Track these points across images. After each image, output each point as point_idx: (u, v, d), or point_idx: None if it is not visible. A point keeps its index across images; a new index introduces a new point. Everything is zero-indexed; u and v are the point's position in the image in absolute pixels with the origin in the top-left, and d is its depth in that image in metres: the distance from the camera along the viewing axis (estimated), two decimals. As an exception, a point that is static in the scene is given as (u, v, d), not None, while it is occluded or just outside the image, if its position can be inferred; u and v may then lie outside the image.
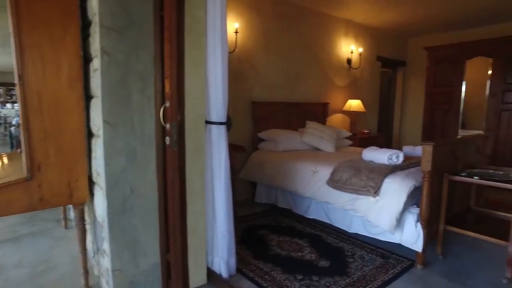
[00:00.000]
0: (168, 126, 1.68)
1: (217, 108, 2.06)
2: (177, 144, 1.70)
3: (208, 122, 2.09)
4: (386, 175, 2.68)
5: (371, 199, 2.68)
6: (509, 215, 2.88)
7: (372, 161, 3.08)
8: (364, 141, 5.22)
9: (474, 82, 5.97)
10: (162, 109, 1.74)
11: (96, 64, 1.69)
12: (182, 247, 1.85)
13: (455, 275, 2.51)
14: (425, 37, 6.46)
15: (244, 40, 4.12)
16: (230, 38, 3.88)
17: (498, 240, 2.44)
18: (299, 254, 2.77)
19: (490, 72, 5.18)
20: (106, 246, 1.80)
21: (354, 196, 2.80)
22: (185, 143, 1.87)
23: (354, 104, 5.23)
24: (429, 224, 2.52)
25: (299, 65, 4.82)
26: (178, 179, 1.76)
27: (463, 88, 5.48)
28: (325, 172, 3.14)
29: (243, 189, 4.26)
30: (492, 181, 2.46)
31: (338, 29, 5.30)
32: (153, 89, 1.78)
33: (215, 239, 2.23)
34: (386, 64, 6.51)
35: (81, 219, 1.93)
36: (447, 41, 5.90)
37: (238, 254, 2.60)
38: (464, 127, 6.65)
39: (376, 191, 2.63)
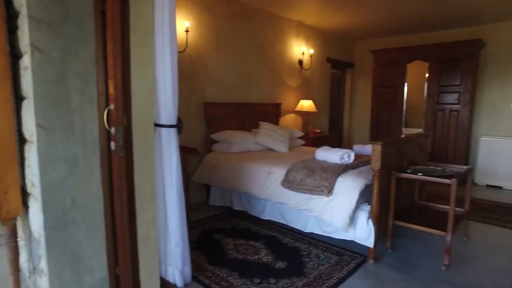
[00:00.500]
0: (113, 130, 1.55)
1: (167, 110, 1.95)
2: (123, 149, 1.58)
3: (157, 125, 1.98)
4: (338, 174, 2.75)
5: (325, 198, 2.73)
6: (447, 207, 3.10)
7: (325, 160, 3.14)
8: (316, 141, 5.35)
9: (415, 84, 6.39)
10: (106, 112, 1.60)
11: (26, 61, 1.50)
12: (132, 259, 1.73)
13: (403, 266, 2.64)
14: (371, 40, 6.79)
15: (195, 39, 4.01)
16: (181, 37, 3.75)
17: (439, 231, 2.60)
18: (256, 257, 2.74)
19: (427, 75, 5.57)
20: (43, 264, 1.62)
21: (309, 196, 2.84)
22: (132, 148, 1.74)
23: (306, 104, 5.34)
24: (379, 220, 2.63)
25: (252, 66, 4.81)
26: (125, 187, 1.63)
27: (405, 89, 5.83)
28: (279, 173, 3.15)
29: (196, 193, 4.15)
30: (434, 177, 2.62)
31: (290, 31, 5.37)
32: (96, 90, 1.64)
33: (168, 247, 2.12)
34: (336, 65, 6.75)
35: (12, 235, 1.71)
36: (390, 45, 6.26)
37: (193, 261, 2.51)
38: (406, 125, 7.10)
39: (329, 191, 2.68)
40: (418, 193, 3.44)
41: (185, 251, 2.16)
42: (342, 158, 3.02)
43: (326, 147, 3.30)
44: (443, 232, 2.56)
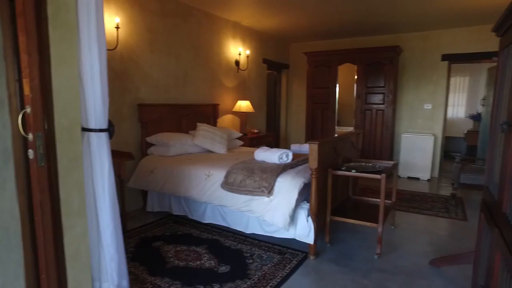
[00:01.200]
0: (30, 136, 1.37)
1: (96, 113, 1.78)
2: (44, 158, 1.40)
3: (85, 130, 1.80)
4: (278, 174, 2.79)
5: (265, 199, 2.75)
6: (377, 200, 3.34)
7: (264, 161, 3.17)
8: (254, 141, 5.40)
9: (345, 85, 6.78)
10: (20, 116, 1.41)
11: None
12: (59, 281, 1.54)
13: (341, 259, 2.77)
14: (305, 43, 7.06)
15: (127, 36, 3.77)
16: (111, 33, 3.50)
17: (371, 224, 2.79)
18: (198, 262, 2.66)
19: (356, 77, 5.96)
20: None
21: (249, 197, 2.84)
22: (56, 155, 1.56)
23: (244, 104, 5.36)
24: (318, 217, 2.72)
25: (188, 66, 4.68)
26: (48, 200, 1.45)
27: (337, 90, 6.17)
28: (218, 175, 3.10)
29: (133, 199, 3.91)
30: (366, 173, 2.79)
31: (226, 31, 5.34)
32: (6, 91, 1.43)
33: (102, 262, 1.95)
34: (272, 66, 6.88)
35: None
36: (323, 48, 6.58)
37: (131, 273, 2.35)
38: (339, 124, 7.51)
39: (269, 191, 2.71)
40: (352, 188, 3.65)
41: (121, 264, 2.00)
42: (281, 158, 3.07)
43: (265, 148, 3.33)
44: (375, 224, 2.75)
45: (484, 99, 6.50)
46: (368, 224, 2.80)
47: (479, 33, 5.56)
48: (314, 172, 2.60)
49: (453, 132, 7.93)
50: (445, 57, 5.83)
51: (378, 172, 2.84)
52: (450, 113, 7.95)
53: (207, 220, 3.39)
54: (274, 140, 7.14)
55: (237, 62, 5.60)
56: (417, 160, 5.77)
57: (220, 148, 4.08)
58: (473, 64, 7.46)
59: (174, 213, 3.64)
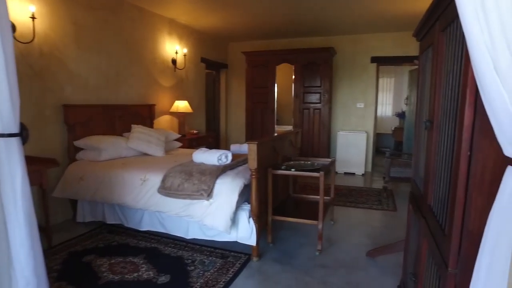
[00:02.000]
0: None
1: (3, 115, 1.54)
2: None
3: (-10, 135, 1.55)
4: (217, 176, 2.71)
5: (205, 202, 2.66)
6: (317, 197, 3.43)
7: (202, 163, 3.07)
8: (193, 142, 5.26)
9: (284, 84, 6.92)
10: None
11: None
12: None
13: (284, 258, 2.78)
14: (244, 42, 7.06)
15: (46, 29, 3.39)
16: (24, 24, 3.12)
17: (311, 221, 2.84)
18: (135, 275, 2.48)
19: (293, 77, 6.11)
20: None
21: (188, 201, 2.72)
22: (-51, 167, 1.31)
23: (181, 105, 5.18)
24: (259, 218, 2.70)
25: (120, 64, 4.38)
26: None
27: (276, 89, 6.26)
28: (155, 179, 2.93)
29: (60, 210, 3.55)
30: (305, 171, 2.84)
31: (162, 28, 5.11)
32: None
33: None
34: (210, 66, 6.77)
35: None
36: (261, 47, 6.64)
37: (54, 295, 2.10)
38: (278, 123, 7.64)
39: (209, 194, 2.62)
40: (292, 187, 3.71)
41: (41, 287, 1.77)
42: (220, 159, 3.00)
43: (204, 149, 3.23)
44: (315, 222, 2.81)
45: (407, 98, 7.08)
46: (308, 222, 2.86)
47: (401, 39, 6.04)
48: (254, 173, 2.58)
49: (382, 129, 8.54)
50: (373, 59, 6.23)
51: (317, 170, 2.91)
52: (380, 111, 8.55)
53: (144, 227, 3.20)
54: (214, 141, 7.03)
55: (174, 61, 5.40)
56: (352, 156, 6.09)
57: (157, 151, 3.88)
58: (397, 66, 8.11)
59: (109, 222, 3.38)
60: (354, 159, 6.09)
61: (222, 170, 2.81)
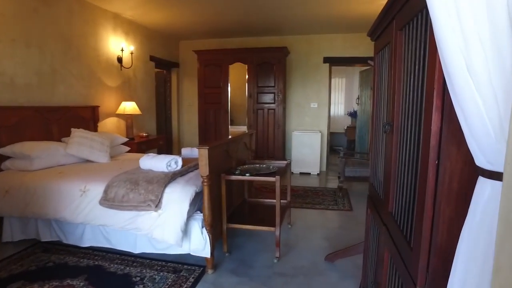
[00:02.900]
0: None
1: None
2: None
3: None
4: (166, 184, 2.49)
5: (153, 214, 2.43)
6: (273, 200, 3.33)
7: (150, 169, 2.82)
8: (143, 145, 4.93)
9: (237, 84, 6.78)
10: None
11: None
12: None
13: (241, 268, 2.64)
14: (195, 41, 6.80)
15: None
16: None
17: (268, 228, 2.73)
18: (72, 300, 2.19)
19: (247, 76, 5.99)
20: None
21: (135, 213, 2.47)
22: None
23: (129, 106, 4.83)
24: (213, 227, 2.53)
25: (56, 61, 3.94)
26: None
27: (229, 89, 6.10)
28: (97, 190, 2.63)
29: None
30: (261, 176, 2.71)
31: (105, 23, 4.71)
32: None
33: None
34: (160, 64, 6.43)
35: None
36: (214, 46, 6.43)
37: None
38: (232, 123, 7.51)
39: (157, 205, 2.40)
40: (247, 191, 3.57)
41: None
42: (169, 166, 2.77)
43: (151, 154, 2.98)
44: (272, 228, 2.69)
45: (358, 98, 7.28)
46: (265, 228, 2.74)
47: (352, 40, 6.17)
48: (205, 180, 2.40)
49: (335, 128, 8.72)
50: (326, 60, 6.30)
51: (273, 173, 2.80)
52: (332, 111, 8.72)
53: (86, 243, 2.88)
54: (166, 143, 6.71)
55: (119, 59, 5.02)
56: (307, 156, 6.11)
57: (100, 157, 3.54)
58: (348, 67, 8.32)
59: (44, 240, 2.99)
60: (309, 159, 6.11)
61: (171, 177, 2.59)
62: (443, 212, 0.92)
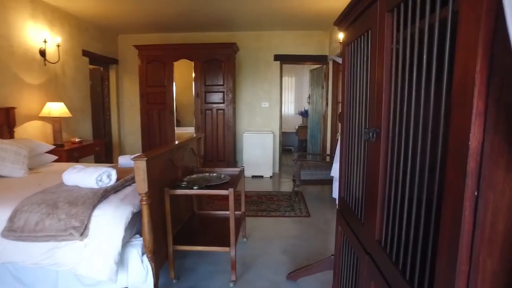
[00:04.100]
0: None
1: None
2: None
3: None
4: (94, 206, 2.00)
5: (77, 244, 1.93)
6: (227, 212, 2.97)
7: (76, 186, 2.30)
8: (75, 153, 4.27)
9: (183, 83, 6.32)
10: None
11: None
12: None
13: (190, 299, 2.24)
14: (136, 35, 6.18)
15: None
16: None
17: (222, 248, 2.36)
18: None
19: (194, 74, 5.54)
20: None
21: (53, 244, 1.95)
22: None
23: (56, 107, 4.14)
24: (157, 253, 2.10)
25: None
26: None
27: (174, 88, 5.60)
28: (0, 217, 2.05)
29: None
30: (211, 189, 2.33)
31: (19, 8, 3.96)
32: None
33: None
34: (96, 60, 5.72)
35: None
36: (157, 41, 5.88)
37: None
38: (180, 124, 7.03)
39: (82, 232, 1.90)
40: (197, 203, 3.17)
41: None
42: (100, 180, 2.27)
43: (79, 167, 2.44)
44: (226, 248, 2.33)
45: (309, 97, 7.17)
46: (219, 249, 2.37)
47: (303, 38, 6.00)
48: (144, 198, 1.96)
49: (286, 128, 8.56)
50: (277, 57, 6.06)
51: (225, 184, 2.44)
52: (283, 110, 8.56)
53: (-9, 282, 2.27)
54: (105, 149, 6.03)
55: (42, 52, 4.28)
56: (260, 158, 5.82)
57: (14, 170, 2.89)
58: (298, 65, 8.20)
59: None
60: (262, 161, 5.83)
61: (102, 195, 2.10)
62: (483, 265, 0.63)
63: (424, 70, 0.83)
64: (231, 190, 2.22)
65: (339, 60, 2.35)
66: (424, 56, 0.82)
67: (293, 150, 8.65)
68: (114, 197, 2.15)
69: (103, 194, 2.11)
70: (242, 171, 2.96)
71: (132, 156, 2.81)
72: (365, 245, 1.26)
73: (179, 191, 2.29)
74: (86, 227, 1.91)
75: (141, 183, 1.92)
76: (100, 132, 6.31)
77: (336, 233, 1.78)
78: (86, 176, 2.25)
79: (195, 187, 2.31)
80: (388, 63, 1.06)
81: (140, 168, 1.90)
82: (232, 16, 5.08)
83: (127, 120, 6.51)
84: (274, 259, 2.80)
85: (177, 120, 7.18)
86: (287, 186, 5.29)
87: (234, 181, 2.61)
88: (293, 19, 5.22)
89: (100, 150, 4.97)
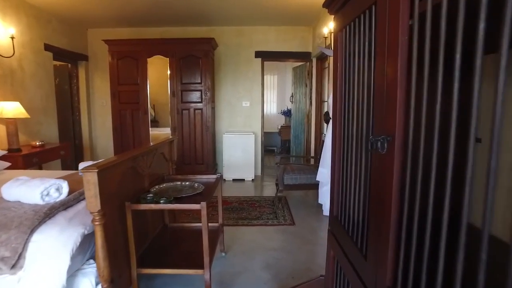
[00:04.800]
0: None
1: None
2: None
3: None
4: (34, 228, 1.63)
5: (7, 279, 1.57)
6: (199, 224, 2.67)
7: (19, 201, 1.92)
8: (35, 158, 3.84)
9: (159, 81, 5.93)
10: None
11: None
12: None
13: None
14: (108, 29, 5.75)
15: None
16: None
17: (195, 271, 2.03)
18: None
19: (169, 72, 5.17)
20: None
21: (-21, 278, 1.58)
22: None
23: (10, 107, 3.69)
24: (116, 281, 1.75)
25: None
26: None
27: (148, 86, 5.22)
28: None
29: None
30: (181, 203, 2.00)
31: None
32: None
33: None
34: (63, 56, 5.26)
35: None
36: (130, 36, 5.48)
37: None
38: (158, 125, 6.64)
39: (14, 264, 1.54)
40: (169, 214, 2.82)
41: None
42: (47, 195, 1.90)
43: (23, 178, 2.06)
44: (200, 271, 2.01)
45: (292, 96, 6.91)
46: (191, 272, 2.04)
47: (285, 33, 5.72)
48: (97, 218, 1.61)
49: (268, 128, 8.27)
50: (258, 54, 5.76)
51: (198, 195, 2.12)
52: (265, 109, 8.27)
53: None
54: (75, 153, 5.60)
55: (-6, 45, 3.84)
56: (241, 161, 5.51)
57: (-48, 181, 2.47)
58: (280, 63, 7.92)
59: None
60: (243, 163, 5.51)
61: (46, 214, 1.74)
62: None
63: (459, 53, 0.54)
64: (203, 204, 1.90)
65: (329, 52, 2.06)
66: (460, 34, 0.54)
67: (276, 150, 8.38)
68: (62, 215, 1.79)
69: (48, 213, 1.74)
70: (219, 179, 2.64)
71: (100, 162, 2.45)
72: (367, 283, 0.98)
73: (144, 206, 1.95)
74: (20, 257, 1.55)
75: (92, 200, 1.57)
76: (69, 134, 5.85)
77: (328, 257, 1.49)
78: (29, 191, 1.88)
79: (162, 201, 1.97)
80: (404, 49, 0.77)
81: (91, 182, 1.56)
82: (210, 10, 4.75)
83: (99, 121, 6.07)
84: (256, 277, 2.49)
85: (155, 120, 6.80)
86: (270, 190, 5.00)
87: (209, 191, 2.29)
88: (275, 14, 4.93)
89: (67, 154, 4.53)
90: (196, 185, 2.40)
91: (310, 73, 5.76)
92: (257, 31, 5.72)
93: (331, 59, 4.25)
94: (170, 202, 1.98)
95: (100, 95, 5.96)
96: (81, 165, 2.71)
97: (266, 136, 7.84)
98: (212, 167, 5.32)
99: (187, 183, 2.46)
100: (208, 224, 1.93)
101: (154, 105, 6.88)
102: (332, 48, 1.48)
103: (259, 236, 3.27)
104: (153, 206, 1.94)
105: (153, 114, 6.88)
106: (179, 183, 2.47)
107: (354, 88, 1.13)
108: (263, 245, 3.06)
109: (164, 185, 2.40)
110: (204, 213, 1.90)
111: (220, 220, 2.75)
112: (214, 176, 2.67)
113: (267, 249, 2.99)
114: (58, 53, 5.08)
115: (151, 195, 2.08)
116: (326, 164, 3.49)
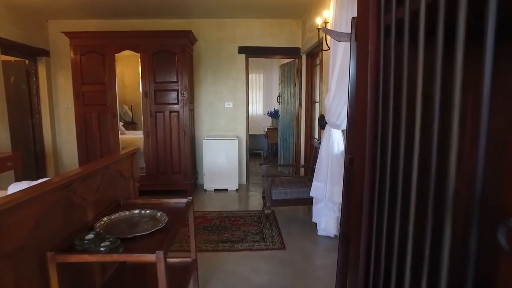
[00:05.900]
0: None
1: None
2: None
3: None
4: None
5: None
6: (176, 259, 2.10)
7: None
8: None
9: (131, 79, 5.33)
10: None
11: None
12: None
13: None
14: (72, 21, 5.08)
15: None
16: None
17: None
18: None
19: (140, 69, 4.56)
20: None
21: None
22: None
23: None
24: None
25: None
26: None
27: (117, 86, 4.58)
28: None
29: None
30: (126, 253, 1.42)
31: None
32: None
33: None
34: (16, 51, 4.58)
35: None
36: (98, 29, 4.82)
37: None
38: (136, 127, 6.04)
39: None
40: (128, 247, 2.23)
41: None
42: None
43: None
44: None
45: (279, 96, 6.38)
46: None
47: (272, 27, 5.19)
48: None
49: (254, 130, 7.71)
50: (242, 50, 5.20)
51: (158, 232, 1.55)
52: (250, 110, 7.71)
53: None
54: (35, 163, 4.93)
55: None
56: (223, 168, 4.94)
57: None
58: (266, 60, 7.39)
59: None
60: (226, 171, 4.94)
61: None
62: None
63: None
64: (160, 255, 1.32)
65: (338, 37, 1.52)
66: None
67: (262, 154, 7.83)
68: None
69: None
70: (190, 203, 2.07)
71: (33, 182, 1.85)
72: None
73: (74, 258, 1.36)
74: None
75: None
76: (27, 140, 5.15)
77: None
78: None
79: (102, 246, 1.39)
80: None
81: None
82: (189, 0, 4.16)
83: (64, 125, 5.37)
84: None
85: (132, 122, 6.16)
86: (256, 202, 4.44)
87: (175, 224, 1.71)
88: (260, 5, 4.39)
89: (16, 165, 3.85)
90: (159, 214, 1.82)
91: (299, 71, 5.24)
92: (240, 24, 5.15)
93: (324, 54, 3.73)
94: (116, 249, 1.40)
95: (65, 96, 5.27)
96: (12, 187, 2.10)
97: (252, 138, 7.27)
98: (190, 176, 4.73)
99: (147, 211, 1.88)
100: (166, 285, 1.36)
101: (131, 106, 6.25)
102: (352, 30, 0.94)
103: (243, 266, 2.70)
104: (88, 257, 1.36)
105: (131, 115, 6.25)
106: (137, 211, 1.89)
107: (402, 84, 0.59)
108: (247, 280, 2.50)
109: (116, 215, 1.82)
110: (161, 267, 1.33)
111: (193, 256, 2.18)
112: (185, 200, 2.09)
113: (253, 285, 2.43)
114: (9, 47, 4.39)
115: (91, 235, 1.50)
116: (321, 178, 2.96)
